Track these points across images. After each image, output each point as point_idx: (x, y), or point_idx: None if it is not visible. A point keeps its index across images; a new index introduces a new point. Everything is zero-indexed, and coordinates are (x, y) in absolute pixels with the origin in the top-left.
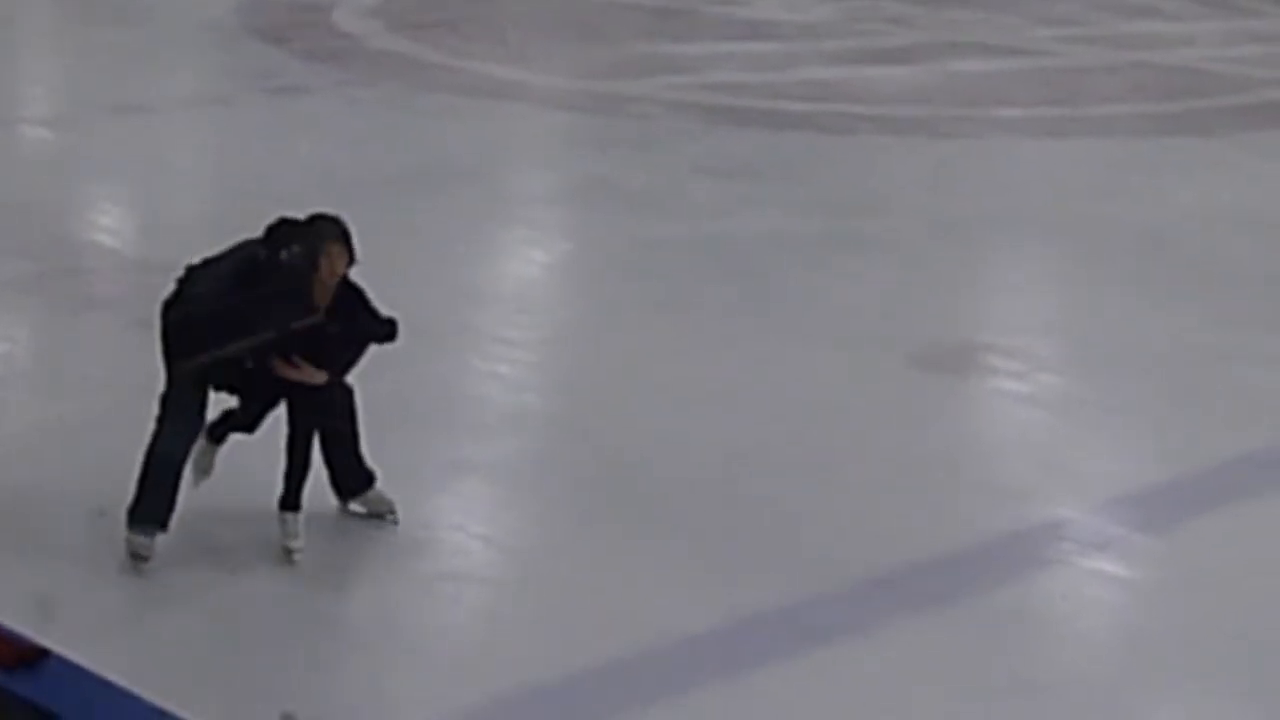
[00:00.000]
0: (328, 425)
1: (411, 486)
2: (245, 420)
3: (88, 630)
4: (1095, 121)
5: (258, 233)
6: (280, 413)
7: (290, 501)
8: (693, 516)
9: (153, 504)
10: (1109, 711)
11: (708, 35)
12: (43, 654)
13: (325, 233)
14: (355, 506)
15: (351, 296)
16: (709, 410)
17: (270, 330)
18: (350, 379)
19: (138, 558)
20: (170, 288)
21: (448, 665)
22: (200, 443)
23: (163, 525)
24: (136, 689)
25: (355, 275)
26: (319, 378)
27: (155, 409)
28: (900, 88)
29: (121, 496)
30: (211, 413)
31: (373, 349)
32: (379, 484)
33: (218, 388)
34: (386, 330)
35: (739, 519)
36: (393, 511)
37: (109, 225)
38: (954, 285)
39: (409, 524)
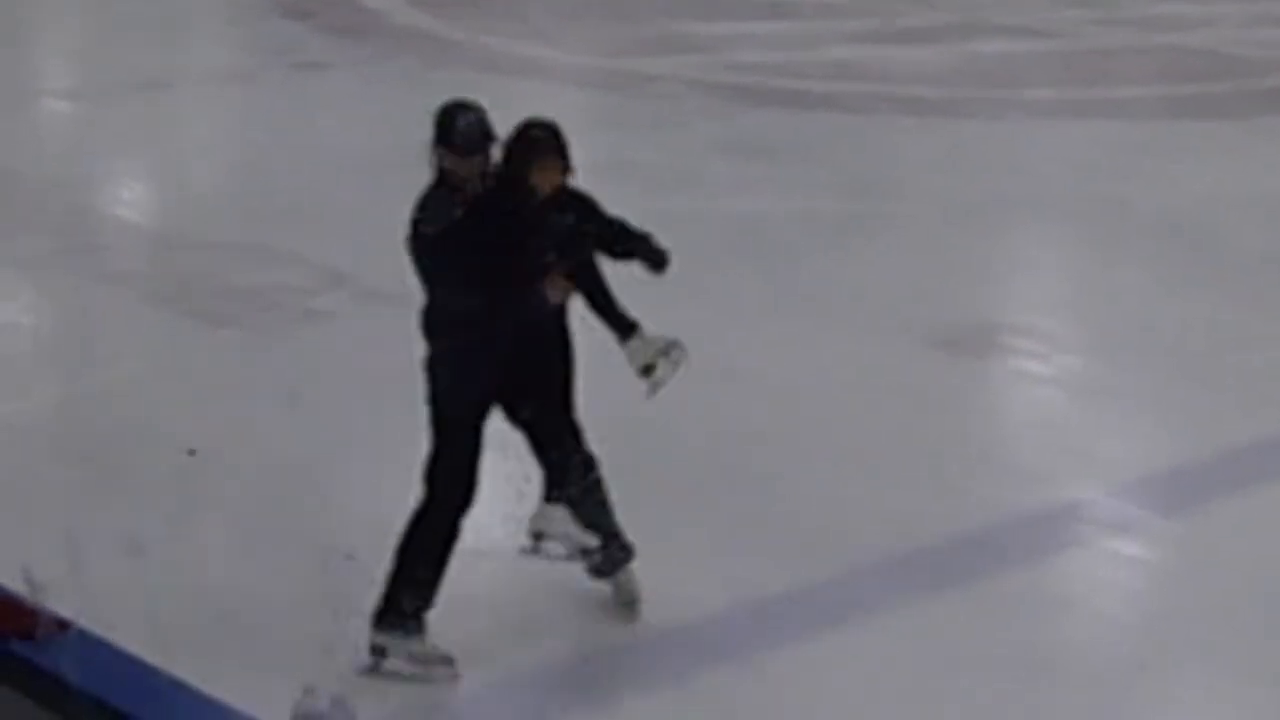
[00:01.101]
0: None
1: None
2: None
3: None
4: (1115, 104)
5: (278, 210)
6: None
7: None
8: (708, 497)
9: (415, 599)
10: (1127, 692)
11: (729, 14)
12: (63, 626)
13: (536, 143)
14: (600, 585)
15: (578, 204)
16: (725, 390)
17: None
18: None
19: (440, 662)
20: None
21: (465, 642)
22: (560, 512)
23: (420, 626)
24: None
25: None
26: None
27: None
28: (921, 68)
29: (139, 470)
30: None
31: None
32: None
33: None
34: (648, 248)
35: (754, 500)
36: (633, 604)
37: (130, 200)
38: (973, 267)
39: None
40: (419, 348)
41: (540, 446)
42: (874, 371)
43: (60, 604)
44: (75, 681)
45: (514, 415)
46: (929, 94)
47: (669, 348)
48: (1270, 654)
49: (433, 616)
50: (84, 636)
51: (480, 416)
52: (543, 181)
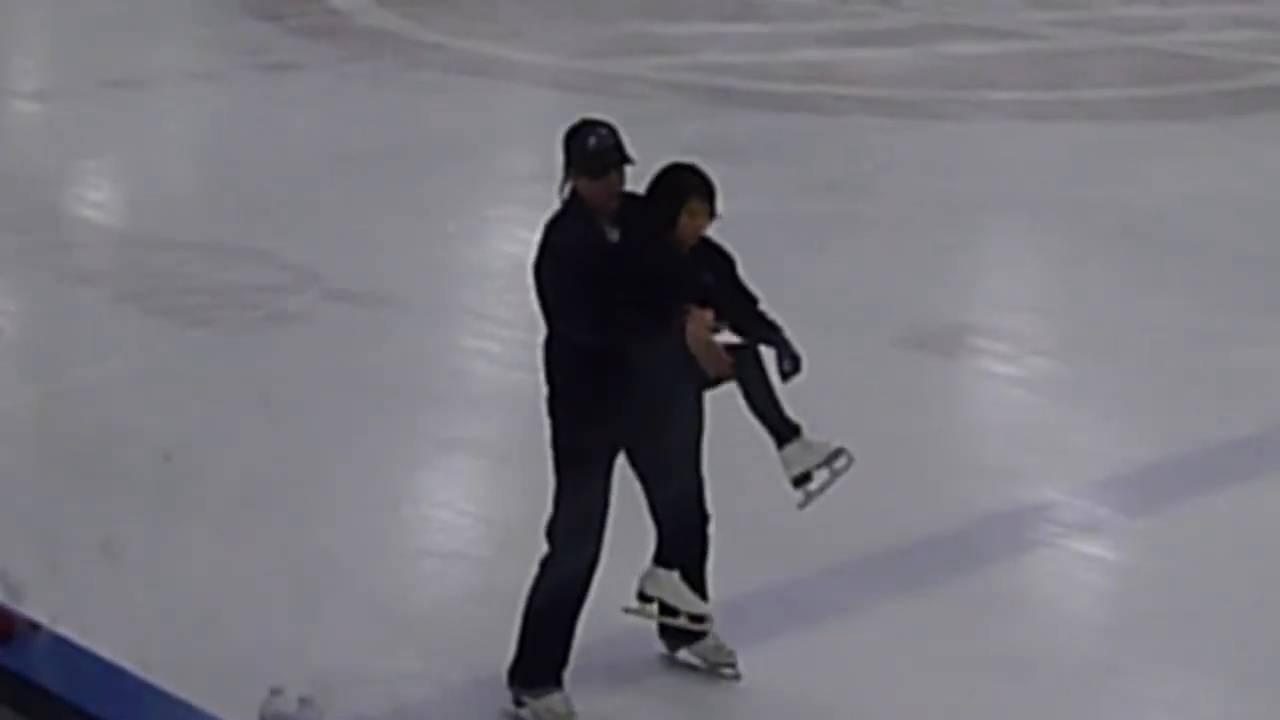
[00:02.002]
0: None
1: (401, 464)
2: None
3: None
4: (1086, 105)
5: (249, 210)
6: None
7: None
8: None
9: (544, 656)
10: (1096, 691)
11: (699, 15)
12: (35, 628)
13: (684, 182)
14: (687, 656)
15: (719, 261)
16: None
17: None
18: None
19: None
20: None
21: (436, 643)
22: (673, 578)
23: (558, 682)
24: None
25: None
26: (706, 334)
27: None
28: (891, 70)
29: (111, 472)
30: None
31: None
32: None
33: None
34: (782, 340)
35: (724, 500)
36: (732, 664)
37: (99, 200)
38: (944, 267)
39: (399, 500)
40: (391, 346)
41: (658, 504)
42: (843, 371)
43: (37, 607)
44: (48, 684)
45: (635, 463)
46: (899, 95)
47: (833, 456)
48: (1238, 654)
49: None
50: (56, 639)
51: (606, 461)
52: (690, 228)
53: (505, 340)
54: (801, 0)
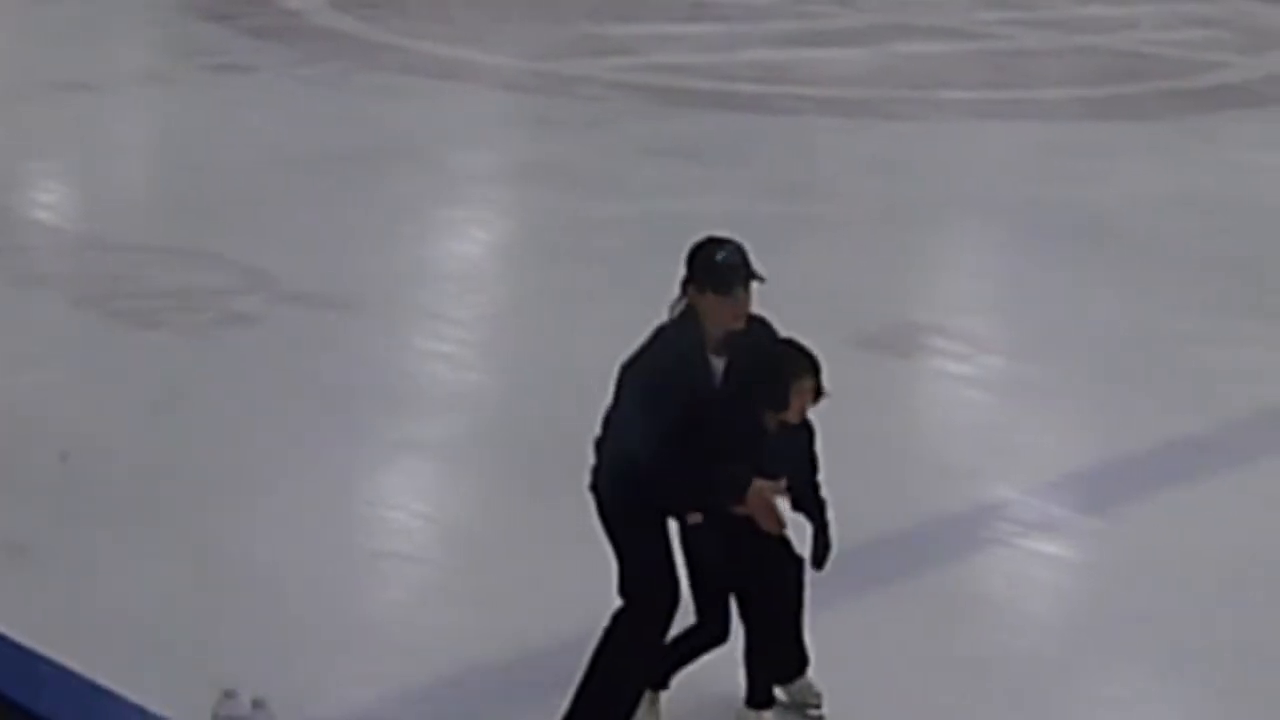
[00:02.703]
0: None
1: (355, 465)
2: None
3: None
4: (1040, 105)
5: (202, 212)
6: None
7: (762, 698)
8: None
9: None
10: (1051, 690)
11: (654, 16)
12: None
13: (795, 365)
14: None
15: (803, 433)
16: None
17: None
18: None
19: None
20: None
21: (391, 645)
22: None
23: None
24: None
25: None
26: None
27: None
28: (846, 70)
29: (65, 484)
30: None
31: None
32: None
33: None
34: (822, 526)
35: None
36: (818, 705)
37: (51, 203)
38: (899, 267)
39: (353, 502)
40: (344, 348)
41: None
42: None
43: None
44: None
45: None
46: (854, 95)
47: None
48: (1193, 651)
49: (370, 619)
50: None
51: (659, 521)
52: (798, 408)
53: (459, 341)
54: (757, 1)
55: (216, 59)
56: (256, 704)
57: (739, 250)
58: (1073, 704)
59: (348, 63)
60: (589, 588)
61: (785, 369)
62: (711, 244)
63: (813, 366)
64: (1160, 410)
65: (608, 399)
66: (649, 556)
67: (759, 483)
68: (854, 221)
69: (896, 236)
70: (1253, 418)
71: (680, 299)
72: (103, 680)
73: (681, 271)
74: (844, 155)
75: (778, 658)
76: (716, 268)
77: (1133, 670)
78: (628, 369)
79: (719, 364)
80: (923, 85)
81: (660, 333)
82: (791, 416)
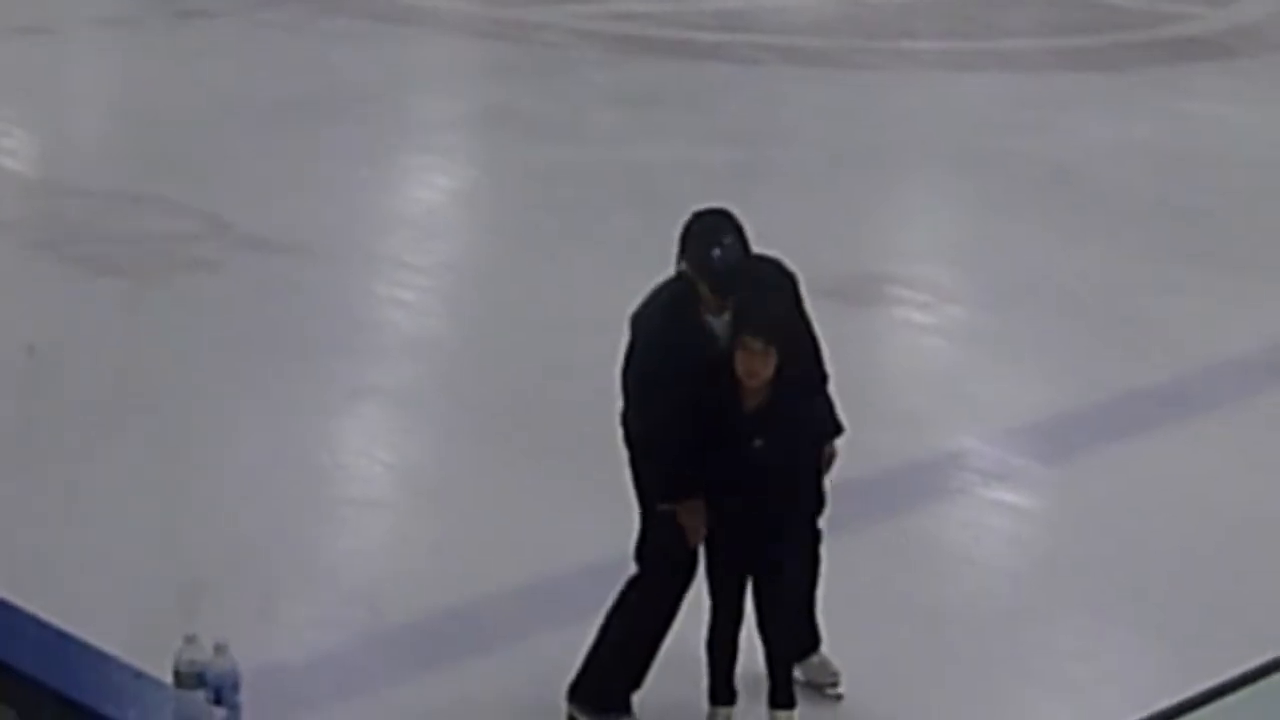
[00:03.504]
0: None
1: (315, 413)
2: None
3: None
4: (1004, 55)
5: (161, 158)
6: None
7: (784, 698)
8: (597, 443)
9: (617, 678)
10: (1008, 638)
11: None
12: None
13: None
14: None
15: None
16: (612, 338)
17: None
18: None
19: None
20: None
21: (353, 591)
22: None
23: (627, 708)
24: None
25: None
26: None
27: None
28: (808, 19)
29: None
30: None
31: None
32: (824, 647)
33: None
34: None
35: None
36: (835, 684)
37: (10, 147)
38: (860, 217)
39: (313, 449)
40: (304, 294)
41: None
42: None
43: None
44: None
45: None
46: (815, 44)
47: None
48: (1150, 601)
49: (332, 566)
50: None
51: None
52: (742, 368)
53: (419, 288)
54: None
55: (177, 4)
56: (218, 648)
57: (735, 246)
58: (1028, 652)
59: (309, 8)
60: (545, 533)
61: (736, 324)
62: (707, 233)
63: (759, 330)
64: (1120, 360)
65: (568, 345)
66: (673, 529)
67: (692, 503)
68: (815, 171)
69: (857, 186)
70: (1212, 368)
71: (680, 261)
72: (64, 625)
73: (662, 235)
74: (805, 104)
75: (791, 634)
76: (713, 267)
77: (1089, 619)
78: (635, 323)
79: (718, 323)
80: (885, 35)
81: (649, 310)
82: (744, 379)
